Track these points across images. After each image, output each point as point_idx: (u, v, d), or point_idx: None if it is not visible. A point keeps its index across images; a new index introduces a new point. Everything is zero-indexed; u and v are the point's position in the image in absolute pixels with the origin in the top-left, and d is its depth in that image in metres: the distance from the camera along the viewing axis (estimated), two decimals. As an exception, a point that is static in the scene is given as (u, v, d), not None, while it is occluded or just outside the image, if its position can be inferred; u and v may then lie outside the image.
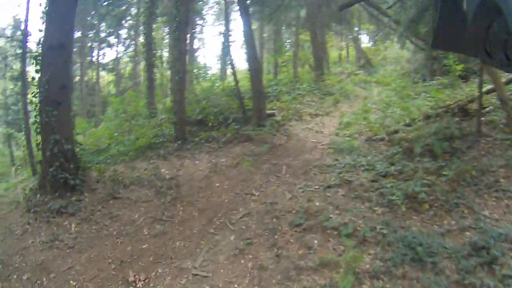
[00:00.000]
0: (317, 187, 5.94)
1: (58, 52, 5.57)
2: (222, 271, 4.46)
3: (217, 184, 6.92)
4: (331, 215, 4.94)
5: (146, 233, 5.07)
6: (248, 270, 4.43)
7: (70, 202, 5.12)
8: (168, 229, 5.25)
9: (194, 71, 19.64)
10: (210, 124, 10.24)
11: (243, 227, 5.42)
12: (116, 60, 20.47)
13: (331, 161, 6.60)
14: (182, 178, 7.01)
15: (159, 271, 4.44)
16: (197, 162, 7.93)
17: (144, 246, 4.78)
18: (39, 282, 3.98)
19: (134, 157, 7.96)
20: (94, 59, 19.34)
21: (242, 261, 4.61)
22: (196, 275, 4.39)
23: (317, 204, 5.39)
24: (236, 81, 10.20)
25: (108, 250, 4.58)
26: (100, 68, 19.83)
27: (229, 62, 12.41)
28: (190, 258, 4.72)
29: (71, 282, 4.04)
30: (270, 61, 18.39)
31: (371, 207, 4.71)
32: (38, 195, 5.17)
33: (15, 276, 3.98)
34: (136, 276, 4.28)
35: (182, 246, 4.95)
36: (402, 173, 5.14)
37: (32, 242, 4.46)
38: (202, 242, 5.08)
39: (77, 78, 17.03)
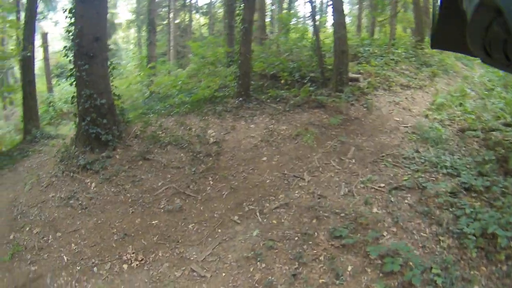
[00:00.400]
0: (382, 185, 4.87)
1: (90, 2, 5.28)
2: (223, 275, 3.81)
3: (264, 158, 6.04)
4: (384, 233, 4.00)
5: (162, 206, 4.74)
6: (252, 284, 3.66)
7: (98, 159, 5.16)
8: (186, 206, 4.81)
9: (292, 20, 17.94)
10: (283, 81, 9.03)
11: (274, 221, 4.57)
12: (211, 4, 20.38)
13: (410, 152, 5.55)
14: (227, 145, 6.37)
15: (159, 254, 4.10)
16: (252, 126, 7.11)
17: (153, 222, 4.49)
18: (45, 238, 4.16)
19: (190, 110, 7.64)
20: (187, 1, 19.69)
21: (251, 269, 3.85)
22: (194, 271, 3.86)
23: (374, 211, 4.37)
24: (317, 34, 8.54)
25: (117, 219, 4.46)
26: (194, 11, 20.15)
27: (311, 11, 10.63)
28: (197, 247, 4.21)
29: (72, 245, 4.08)
30: (369, 18, 15.59)
31: (437, 233, 3.91)
32: (73, 147, 5.38)
33: (27, 229, 4.26)
34: (133, 254, 4.04)
35: (194, 231, 4.46)
36: (489, 191, 4.38)
37: (52, 196, 4.70)
38: (219, 230, 4.48)
39: (166, 21, 17.76)
